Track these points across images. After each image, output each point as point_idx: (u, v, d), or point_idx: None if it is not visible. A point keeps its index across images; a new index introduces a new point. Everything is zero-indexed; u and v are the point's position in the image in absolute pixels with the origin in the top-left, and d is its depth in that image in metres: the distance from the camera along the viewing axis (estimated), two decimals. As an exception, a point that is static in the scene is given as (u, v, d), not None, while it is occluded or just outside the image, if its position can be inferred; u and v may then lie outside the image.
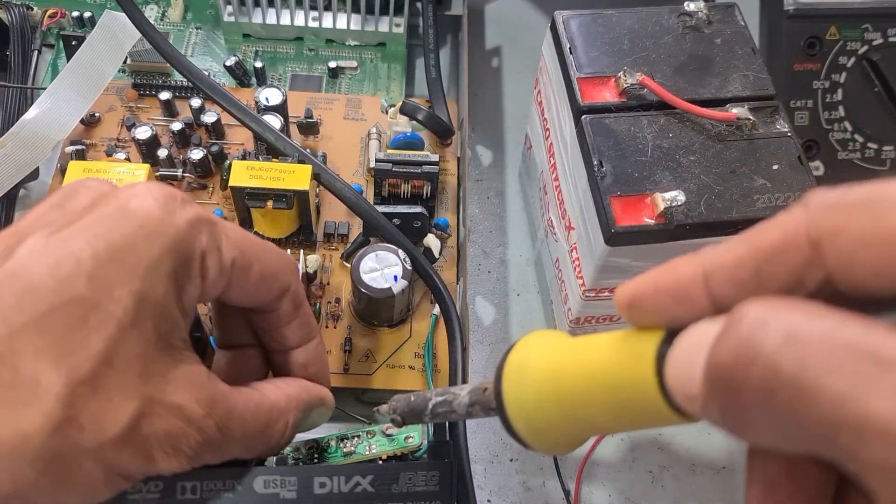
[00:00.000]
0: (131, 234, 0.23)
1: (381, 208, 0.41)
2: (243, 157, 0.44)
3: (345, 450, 0.32)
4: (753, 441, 0.16)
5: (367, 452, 0.32)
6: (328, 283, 0.43)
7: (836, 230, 0.15)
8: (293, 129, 0.47)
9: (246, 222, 0.43)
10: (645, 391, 0.18)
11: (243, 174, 0.39)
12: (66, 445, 0.22)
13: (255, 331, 0.31)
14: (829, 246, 0.15)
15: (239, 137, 0.47)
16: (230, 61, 0.49)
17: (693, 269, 0.17)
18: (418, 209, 0.42)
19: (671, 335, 0.18)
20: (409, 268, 0.39)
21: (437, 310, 0.41)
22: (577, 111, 0.36)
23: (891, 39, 0.48)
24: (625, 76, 0.35)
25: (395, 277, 0.38)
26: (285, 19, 0.52)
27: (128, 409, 0.22)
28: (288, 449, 0.32)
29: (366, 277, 0.38)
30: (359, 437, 0.33)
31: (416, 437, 0.34)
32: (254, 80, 0.50)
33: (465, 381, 0.37)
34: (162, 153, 0.45)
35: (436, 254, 0.43)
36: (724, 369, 0.15)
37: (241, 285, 0.27)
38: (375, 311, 0.40)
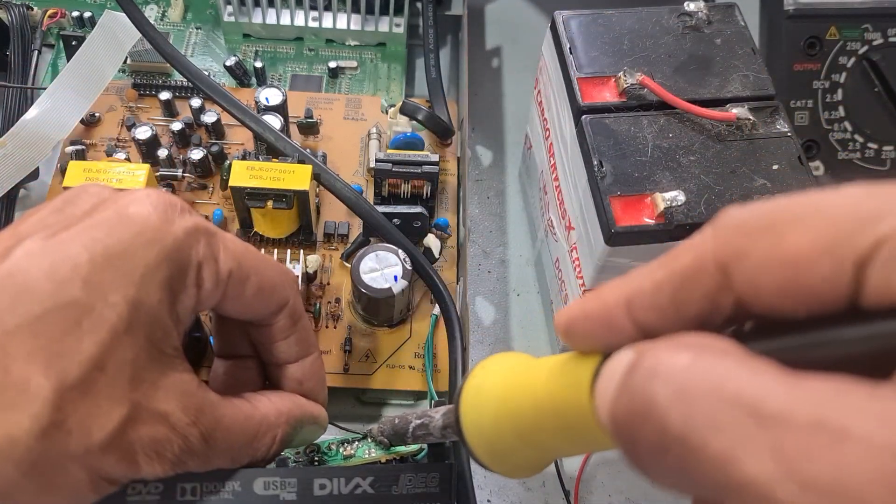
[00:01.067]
0: (129, 240, 0.23)
1: (381, 208, 0.41)
2: (243, 157, 0.44)
3: (345, 453, 0.32)
4: (659, 486, 0.15)
5: (367, 456, 0.32)
6: (328, 283, 0.43)
7: (740, 253, 0.15)
8: (293, 129, 0.47)
9: (246, 222, 0.43)
10: (585, 417, 0.18)
11: (243, 174, 0.39)
12: (52, 449, 0.22)
13: (253, 343, 0.31)
14: (735, 270, 0.15)
15: (239, 137, 0.47)
16: (230, 61, 0.49)
17: (617, 295, 0.17)
18: (418, 209, 0.42)
19: (605, 360, 0.17)
20: (409, 268, 0.39)
21: (437, 310, 0.41)
22: (577, 111, 0.36)
23: (891, 39, 0.48)
24: (625, 76, 0.35)
25: (395, 277, 0.38)
26: (285, 19, 0.52)
27: (116, 415, 0.22)
28: (288, 452, 0.32)
29: (366, 277, 0.38)
30: (359, 441, 0.33)
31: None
32: (254, 80, 0.50)
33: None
34: (162, 153, 0.45)
35: (436, 254, 0.43)
36: (622, 421, 0.15)
37: (238, 297, 0.27)
38: (375, 311, 0.40)
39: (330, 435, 0.33)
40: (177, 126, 0.46)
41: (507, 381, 0.22)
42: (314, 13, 0.52)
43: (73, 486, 0.23)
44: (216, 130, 0.46)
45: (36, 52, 0.50)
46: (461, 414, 0.23)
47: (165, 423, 0.24)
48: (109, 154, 0.45)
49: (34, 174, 0.44)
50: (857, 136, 0.48)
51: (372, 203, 0.41)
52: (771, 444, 0.12)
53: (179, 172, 0.45)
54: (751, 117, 0.35)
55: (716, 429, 0.13)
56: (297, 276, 0.40)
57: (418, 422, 0.27)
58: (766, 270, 0.15)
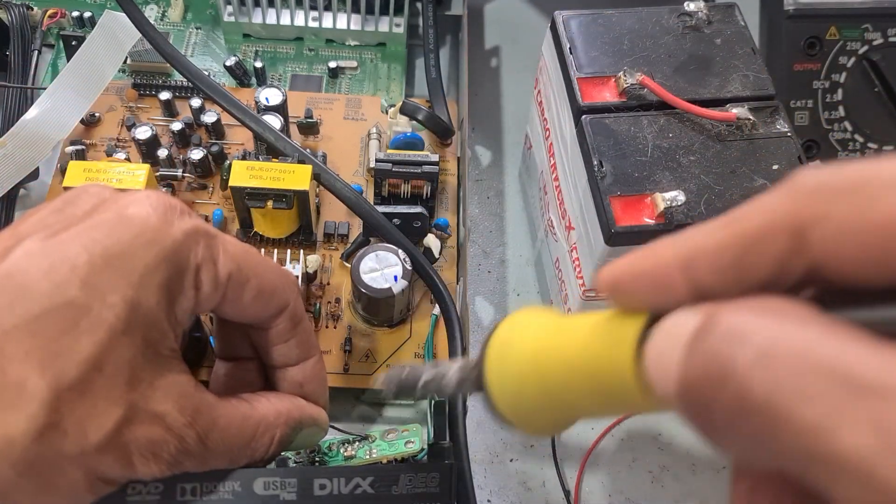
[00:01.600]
0: (128, 241, 0.23)
1: (381, 208, 0.41)
2: (243, 157, 0.44)
3: (345, 454, 0.32)
4: (728, 454, 0.15)
5: (368, 457, 0.32)
6: (328, 283, 0.43)
7: (822, 217, 0.14)
8: (293, 129, 0.47)
9: (246, 222, 0.43)
10: (624, 381, 0.17)
11: (243, 174, 0.39)
12: (48, 450, 0.22)
13: (254, 345, 0.31)
14: (815, 234, 0.14)
15: (239, 137, 0.47)
16: (230, 61, 0.49)
17: (673, 254, 0.16)
18: (418, 209, 0.42)
19: (652, 321, 0.17)
20: (409, 268, 0.39)
21: (437, 310, 0.41)
22: (577, 111, 0.36)
23: (891, 39, 0.48)
24: (625, 76, 0.35)
25: (395, 277, 0.38)
26: (285, 19, 0.52)
27: (112, 416, 0.22)
28: (289, 452, 0.32)
29: (366, 277, 0.38)
30: (359, 441, 0.33)
31: (416, 442, 0.34)
32: (254, 80, 0.50)
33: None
34: (162, 153, 0.45)
35: (436, 254, 0.43)
36: (696, 386, 0.14)
37: (237, 300, 0.27)
38: (375, 311, 0.40)
39: (330, 437, 0.33)
40: (177, 126, 0.46)
41: (538, 337, 0.21)
42: (314, 13, 0.52)
43: (70, 487, 0.23)
44: (216, 130, 0.46)
45: (36, 52, 0.50)
46: (486, 369, 0.22)
47: (162, 423, 0.24)
48: (109, 154, 0.45)
49: (34, 174, 0.44)
50: (857, 136, 0.48)
51: (372, 203, 0.41)
52: (870, 415, 0.12)
53: (179, 172, 0.45)
54: (751, 117, 0.35)
55: (805, 398, 0.12)
56: (297, 277, 0.40)
57: (430, 374, 0.26)
58: (852, 237, 0.14)
